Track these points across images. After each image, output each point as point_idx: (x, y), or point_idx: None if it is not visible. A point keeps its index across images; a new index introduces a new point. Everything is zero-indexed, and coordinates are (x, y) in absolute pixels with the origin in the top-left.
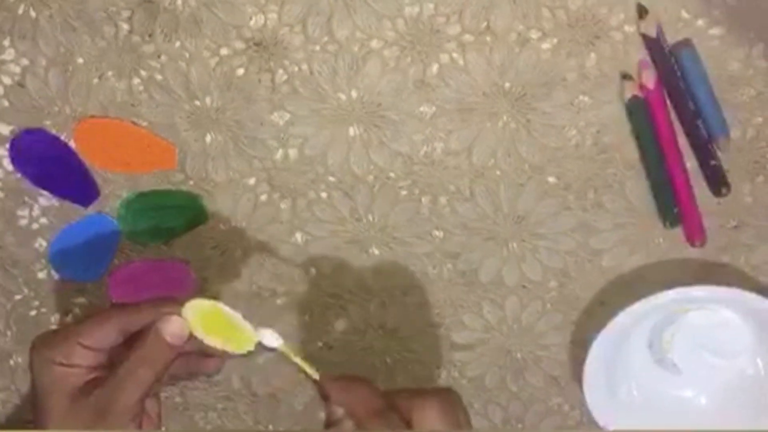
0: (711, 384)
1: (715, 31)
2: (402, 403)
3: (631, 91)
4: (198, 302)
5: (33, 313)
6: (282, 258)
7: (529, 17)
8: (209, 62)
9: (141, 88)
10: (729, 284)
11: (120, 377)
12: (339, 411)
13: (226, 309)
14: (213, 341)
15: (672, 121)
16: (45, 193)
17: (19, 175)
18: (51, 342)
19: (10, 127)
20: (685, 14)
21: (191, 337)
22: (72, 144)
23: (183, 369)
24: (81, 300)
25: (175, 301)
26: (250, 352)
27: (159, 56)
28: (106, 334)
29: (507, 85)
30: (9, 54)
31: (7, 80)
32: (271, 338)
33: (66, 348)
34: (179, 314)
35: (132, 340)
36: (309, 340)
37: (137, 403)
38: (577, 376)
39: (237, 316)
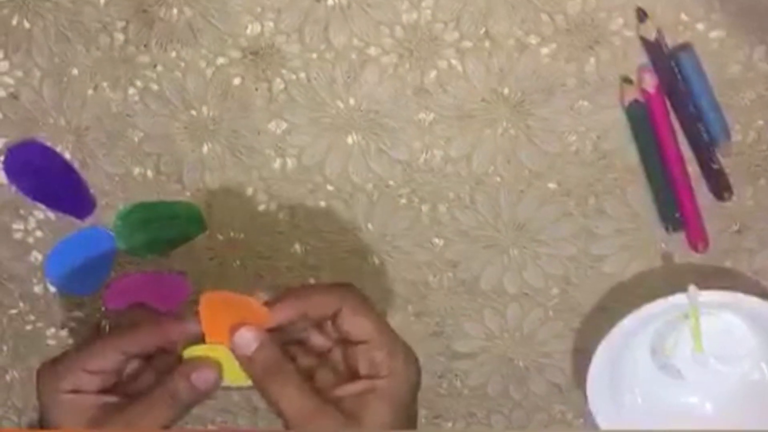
0: (716, 390)
1: (714, 34)
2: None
3: (631, 95)
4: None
5: (29, 327)
6: (281, 269)
7: (527, 22)
8: (205, 72)
9: (137, 98)
10: (732, 289)
11: (139, 410)
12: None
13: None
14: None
15: (673, 125)
16: (40, 206)
17: (13, 188)
18: (56, 372)
19: (4, 140)
20: (684, 18)
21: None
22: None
23: None
24: (78, 314)
25: (170, 318)
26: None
27: (155, 66)
28: (108, 359)
29: (506, 91)
30: (3, 66)
31: (0, 92)
32: None
33: (72, 377)
34: (177, 333)
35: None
36: None
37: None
38: (580, 383)
39: None
